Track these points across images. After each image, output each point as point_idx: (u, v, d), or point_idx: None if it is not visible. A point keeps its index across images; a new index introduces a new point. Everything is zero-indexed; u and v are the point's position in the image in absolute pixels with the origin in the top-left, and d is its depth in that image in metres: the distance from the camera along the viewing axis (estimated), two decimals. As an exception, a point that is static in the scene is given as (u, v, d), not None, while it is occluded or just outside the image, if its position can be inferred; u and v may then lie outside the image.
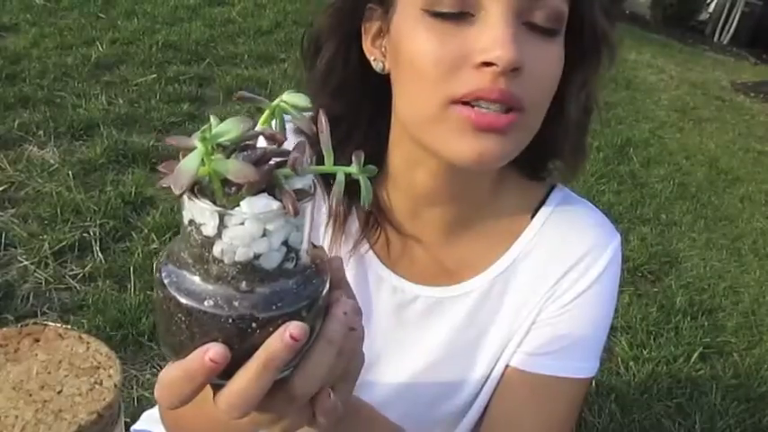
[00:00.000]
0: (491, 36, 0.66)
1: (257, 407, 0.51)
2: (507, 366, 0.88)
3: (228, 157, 0.46)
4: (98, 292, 2.34)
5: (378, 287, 0.89)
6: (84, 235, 2.59)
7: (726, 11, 9.80)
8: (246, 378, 0.48)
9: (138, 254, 2.53)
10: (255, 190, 0.46)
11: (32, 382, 0.38)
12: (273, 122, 0.52)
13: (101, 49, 4.28)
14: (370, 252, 0.88)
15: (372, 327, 0.89)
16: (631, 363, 2.60)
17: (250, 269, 0.47)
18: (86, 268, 2.44)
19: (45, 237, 2.53)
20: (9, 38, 4.23)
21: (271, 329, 0.47)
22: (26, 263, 2.42)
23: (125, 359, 2.10)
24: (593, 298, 0.87)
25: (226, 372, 0.48)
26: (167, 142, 0.47)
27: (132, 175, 3.06)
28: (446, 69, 0.68)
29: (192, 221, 0.47)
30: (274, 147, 0.51)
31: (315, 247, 0.55)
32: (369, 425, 0.76)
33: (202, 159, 0.44)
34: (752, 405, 2.54)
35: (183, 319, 0.48)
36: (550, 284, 0.87)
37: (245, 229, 0.45)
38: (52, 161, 3.05)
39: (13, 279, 2.35)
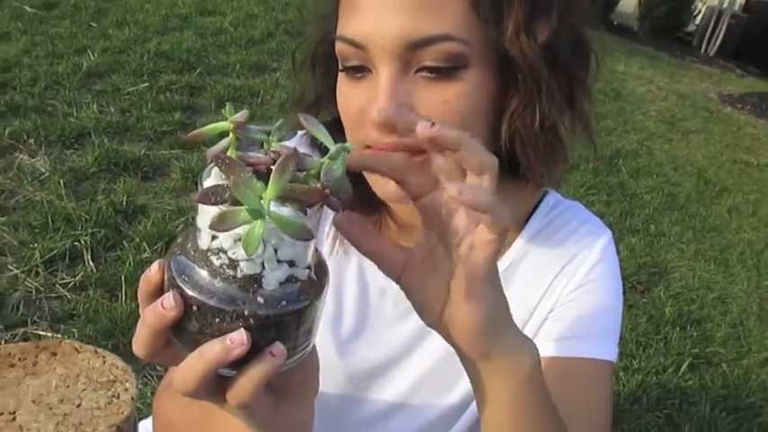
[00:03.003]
0: (373, 95, 0.71)
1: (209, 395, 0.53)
2: None
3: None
4: (89, 302, 2.33)
5: (380, 298, 0.90)
6: (76, 244, 2.59)
7: (712, 23, 9.90)
8: (191, 360, 0.50)
9: (130, 263, 2.52)
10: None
11: (52, 396, 0.39)
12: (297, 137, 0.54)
13: (92, 57, 4.29)
14: (372, 264, 0.89)
15: (375, 336, 0.91)
16: (621, 373, 2.62)
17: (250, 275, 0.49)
18: (77, 277, 2.44)
19: (36, 245, 2.53)
20: (0, 46, 4.22)
21: (227, 320, 0.48)
22: (16, 271, 2.41)
23: (117, 369, 2.09)
24: (597, 281, 0.89)
25: (190, 344, 0.50)
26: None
27: (123, 183, 3.06)
28: (353, 121, 0.75)
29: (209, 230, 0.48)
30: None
31: (320, 264, 0.56)
32: None
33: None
34: (740, 415, 2.56)
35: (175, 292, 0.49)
36: (548, 283, 0.89)
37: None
38: (43, 169, 3.05)
39: (3, 288, 2.34)
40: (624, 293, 2.93)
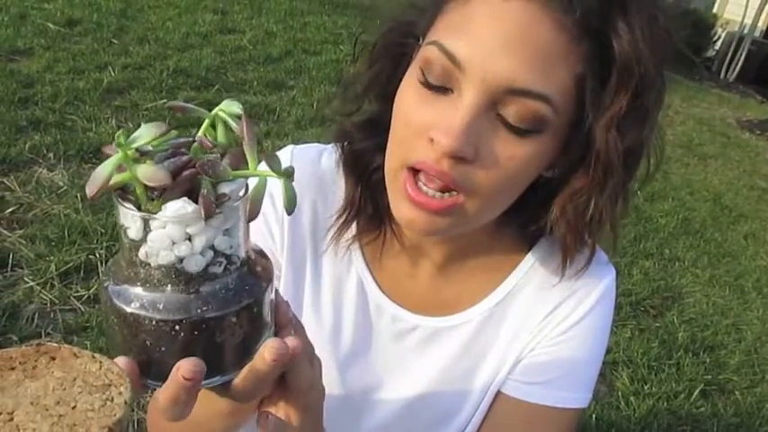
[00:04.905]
0: (448, 119, 0.68)
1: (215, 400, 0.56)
2: (499, 393, 0.90)
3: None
4: (102, 314, 2.35)
5: (378, 316, 0.91)
6: (91, 257, 2.62)
7: (732, 48, 9.88)
8: (164, 401, 0.50)
9: (143, 277, 2.54)
10: (179, 195, 0.47)
11: (49, 398, 0.40)
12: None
13: (112, 74, 4.35)
14: (372, 282, 0.90)
15: (372, 353, 0.91)
16: (632, 398, 2.59)
17: (175, 272, 0.48)
18: (91, 290, 2.46)
19: (52, 258, 2.56)
20: (23, 62, 4.31)
21: (195, 333, 0.48)
22: (32, 284, 2.44)
23: (127, 382, 2.11)
24: (584, 330, 0.88)
25: (158, 373, 0.50)
26: (104, 152, 0.49)
27: (140, 198, 3.09)
28: (412, 133, 0.71)
29: (122, 225, 0.49)
30: (210, 154, 0.51)
31: (261, 255, 0.56)
32: None
33: (122, 165, 0.46)
34: (753, 444, 2.53)
35: (116, 320, 0.50)
36: (543, 315, 0.88)
37: (166, 232, 0.47)
38: (61, 183, 3.09)
39: (19, 299, 2.37)
40: (637, 317, 2.90)
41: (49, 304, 2.37)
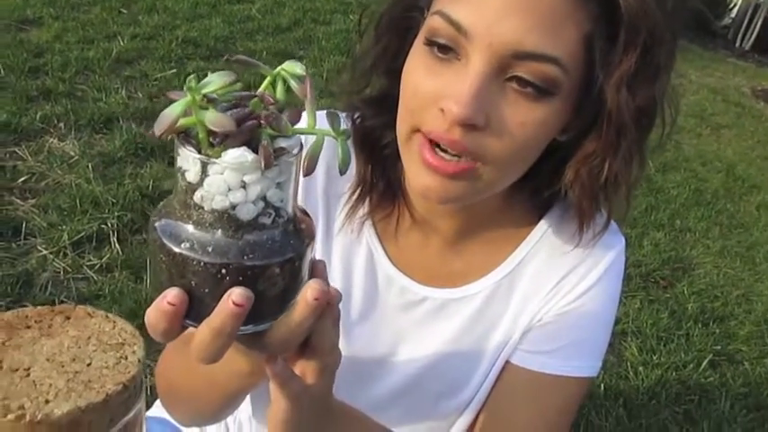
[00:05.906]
0: (456, 88, 0.67)
1: (242, 352, 0.56)
2: (507, 362, 0.90)
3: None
4: (115, 283, 2.38)
5: (387, 286, 0.91)
6: (103, 226, 2.63)
7: (749, 15, 9.71)
8: (204, 335, 0.51)
9: (155, 246, 2.56)
10: (239, 143, 0.49)
11: (64, 355, 0.41)
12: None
13: (122, 43, 4.34)
14: (381, 252, 0.91)
15: (380, 324, 0.92)
16: (641, 368, 2.61)
17: (227, 218, 0.50)
18: (104, 259, 2.49)
19: (64, 227, 2.58)
20: (32, 31, 4.29)
21: (240, 278, 0.50)
22: (45, 252, 2.46)
23: (140, 349, 2.13)
24: (592, 299, 0.88)
25: (198, 315, 0.51)
26: (168, 96, 0.50)
27: (150, 168, 3.10)
28: (420, 102, 0.71)
29: (179, 168, 0.50)
30: (268, 108, 0.53)
31: (305, 213, 0.57)
32: (357, 427, 0.79)
33: (189, 109, 0.48)
34: (761, 414, 2.53)
35: (164, 259, 0.51)
36: (552, 285, 0.88)
37: (223, 178, 0.48)
38: (72, 153, 3.10)
39: (33, 268, 2.39)
40: (647, 288, 2.89)
41: (62, 273, 2.40)
